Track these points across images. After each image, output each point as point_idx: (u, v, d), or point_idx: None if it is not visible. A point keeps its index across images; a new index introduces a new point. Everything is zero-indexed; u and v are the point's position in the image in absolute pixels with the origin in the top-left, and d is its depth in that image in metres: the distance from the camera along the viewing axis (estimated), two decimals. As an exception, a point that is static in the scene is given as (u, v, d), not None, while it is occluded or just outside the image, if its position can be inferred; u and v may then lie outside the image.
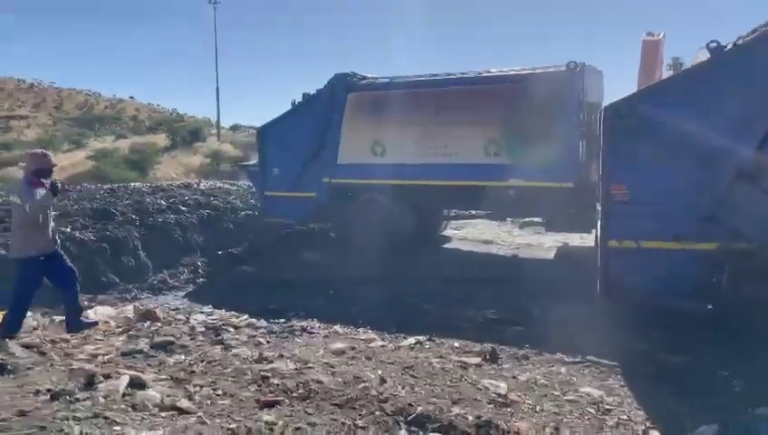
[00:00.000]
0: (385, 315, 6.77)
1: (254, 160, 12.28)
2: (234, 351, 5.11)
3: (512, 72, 9.21)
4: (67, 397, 3.86)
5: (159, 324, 6.21)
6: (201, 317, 6.72)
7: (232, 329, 5.99)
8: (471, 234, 11.54)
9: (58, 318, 6.52)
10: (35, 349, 4.95)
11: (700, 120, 5.16)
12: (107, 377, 4.21)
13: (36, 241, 5.56)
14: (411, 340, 5.69)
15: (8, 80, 71.42)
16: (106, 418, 3.60)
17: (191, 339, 5.49)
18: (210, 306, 7.33)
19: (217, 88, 55.25)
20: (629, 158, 5.43)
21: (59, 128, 55.94)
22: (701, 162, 5.20)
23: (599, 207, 6.06)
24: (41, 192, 5.48)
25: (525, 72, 9.03)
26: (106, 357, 4.82)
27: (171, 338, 5.28)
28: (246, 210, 13.68)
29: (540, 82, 8.57)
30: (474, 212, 11.01)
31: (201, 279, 9.70)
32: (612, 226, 5.60)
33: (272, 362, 4.87)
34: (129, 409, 3.77)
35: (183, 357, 4.90)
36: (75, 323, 5.83)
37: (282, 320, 6.56)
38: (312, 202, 10.47)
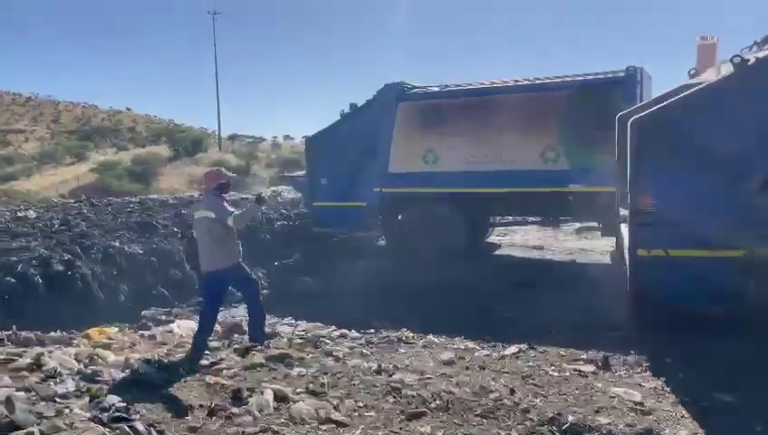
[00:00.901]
0: (467, 323, 6.79)
1: (298, 172, 12.29)
2: (350, 362, 5.12)
3: (569, 79, 9.31)
4: (222, 412, 3.88)
5: (244, 337, 6.25)
6: (287, 329, 6.74)
7: (329, 340, 6.01)
8: (517, 240, 11.60)
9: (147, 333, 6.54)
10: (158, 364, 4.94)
11: (726, 131, 5.35)
12: (249, 391, 4.23)
13: (228, 253, 5.67)
14: (513, 348, 5.72)
15: (5, 94, 71.13)
16: (275, 432, 3.62)
17: (298, 351, 5.49)
18: (290, 318, 7.33)
19: (218, 98, 55.25)
20: (657, 169, 5.55)
21: (58, 141, 55.70)
22: (727, 172, 5.35)
23: (623, 213, 6.38)
24: (229, 206, 5.69)
25: (583, 77, 9.14)
26: (232, 371, 4.82)
27: (284, 350, 5.29)
28: (281, 220, 13.74)
29: (599, 87, 8.67)
30: (520, 219, 11.06)
31: (265, 290, 9.67)
32: (640, 235, 5.74)
33: (392, 373, 4.89)
34: (289, 422, 3.79)
35: (304, 370, 4.91)
36: (260, 336, 5.82)
37: (371, 330, 6.57)
38: (363, 211, 10.50)
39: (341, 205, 10.60)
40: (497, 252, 10.97)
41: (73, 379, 4.38)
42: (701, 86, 5.75)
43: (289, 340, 5.83)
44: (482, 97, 9.76)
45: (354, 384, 4.60)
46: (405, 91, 10.35)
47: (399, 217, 10.25)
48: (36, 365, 4.73)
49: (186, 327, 6.86)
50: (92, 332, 6.04)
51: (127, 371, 4.71)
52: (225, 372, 4.79)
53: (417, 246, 9.74)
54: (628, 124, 5.75)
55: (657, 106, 5.89)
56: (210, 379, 4.52)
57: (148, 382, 4.34)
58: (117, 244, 10.56)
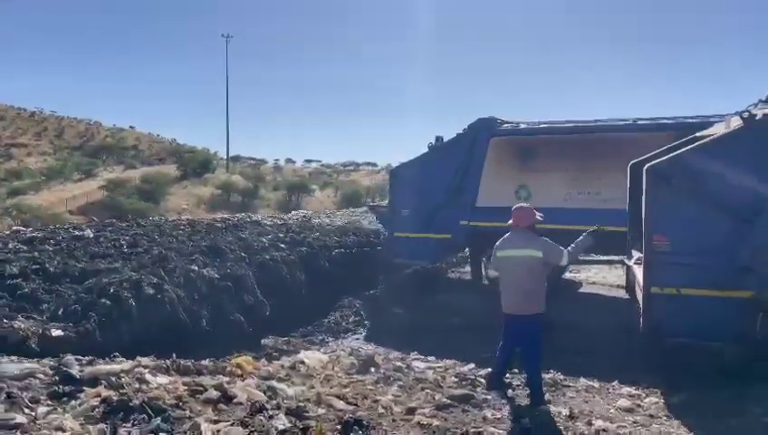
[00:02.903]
0: (602, 364, 6.66)
1: (378, 201, 12.20)
2: (540, 407, 4.98)
3: (673, 121, 9.36)
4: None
5: (383, 371, 6.09)
6: (422, 365, 6.58)
7: (482, 380, 5.85)
8: (596, 278, 11.54)
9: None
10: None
11: (738, 179, 5.72)
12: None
13: (542, 297, 5.49)
14: (682, 395, 5.59)
15: (9, 108, 70.67)
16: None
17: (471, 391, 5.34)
18: (416, 352, 7.16)
19: (227, 120, 55.48)
20: (672, 211, 5.91)
21: (60, 156, 55.24)
22: (738, 217, 5.73)
23: (635, 254, 6.85)
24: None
25: (694, 118, 9.16)
26: (427, 411, 4.66)
27: (468, 392, 5.14)
28: (338, 248, 13.61)
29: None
30: (605, 258, 10.98)
31: (366, 322, 9.52)
32: (654, 273, 6.06)
33: (589, 420, 4.76)
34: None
35: (495, 413, 4.77)
36: (540, 397, 5.31)
37: (515, 370, 6.42)
38: (447, 244, 10.43)
39: (424, 236, 10.51)
40: (581, 289, 10.89)
41: (285, 414, 4.19)
42: (713, 136, 6.22)
43: (472, 381, 5.66)
44: (582, 134, 9.79)
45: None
46: (497, 127, 10.37)
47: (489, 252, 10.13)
48: (224, 397, 4.55)
49: (314, 358, 6.68)
50: (242, 362, 5.83)
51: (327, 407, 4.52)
52: (419, 411, 4.63)
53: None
54: (644, 169, 6.19)
55: (673, 154, 6.27)
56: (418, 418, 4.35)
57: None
58: (196, 268, 10.37)
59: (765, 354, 5.43)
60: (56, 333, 7.52)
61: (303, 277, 12.15)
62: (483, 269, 10.71)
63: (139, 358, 5.52)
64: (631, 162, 7.20)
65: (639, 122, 9.62)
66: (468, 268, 12.79)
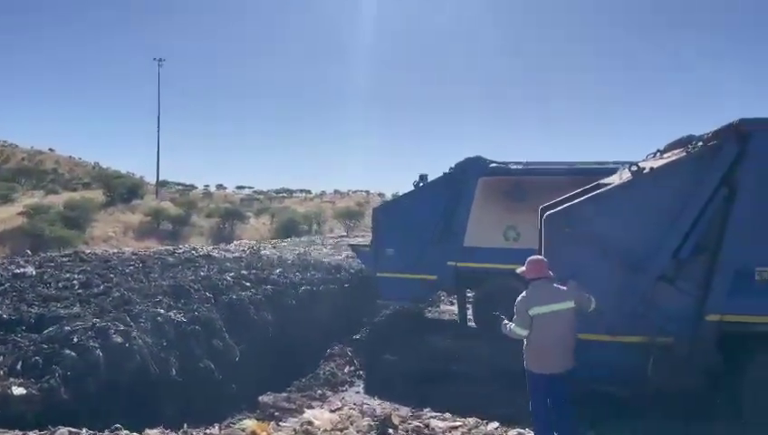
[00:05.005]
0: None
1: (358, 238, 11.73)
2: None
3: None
4: None
5: (402, 433, 5.63)
6: (442, 424, 6.15)
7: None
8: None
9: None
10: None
11: (626, 230, 6.03)
12: None
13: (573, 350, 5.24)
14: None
15: None
16: None
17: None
18: (428, 408, 6.69)
19: (158, 145, 53.32)
20: (567, 258, 5.98)
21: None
22: (628, 265, 5.96)
23: None
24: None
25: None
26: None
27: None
28: (305, 285, 12.99)
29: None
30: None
31: (361, 371, 8.92)
32: None
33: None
34: None
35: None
36: None
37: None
38: (433, 285, 10.09)
39: (409, 277, 10.14)
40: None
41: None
42: (605, 189, 6.45)
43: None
44: (572, 176, 9.72)
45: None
46: (486, 166, 10.22)
47: (477, 293, 9.89)
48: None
49: (324, 419, 6.13)
50: (256, 428, 5.20)
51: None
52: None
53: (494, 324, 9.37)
54: (543, 217, 6.41)
55: (570, 203, 6.50)
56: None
57: None
58: (162, 311, 9.50)
59: (658, 396, 5.79)
60: (18, 391, 6.58)
61: (270, 317, 11.48)
62: (471, 312, 10.47)
63: (147, 431, 4.80)
64: (541, 207, 7.18)
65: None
66: (443, 308, 12.51)
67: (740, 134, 5.74)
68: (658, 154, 7.35)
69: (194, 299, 10.55)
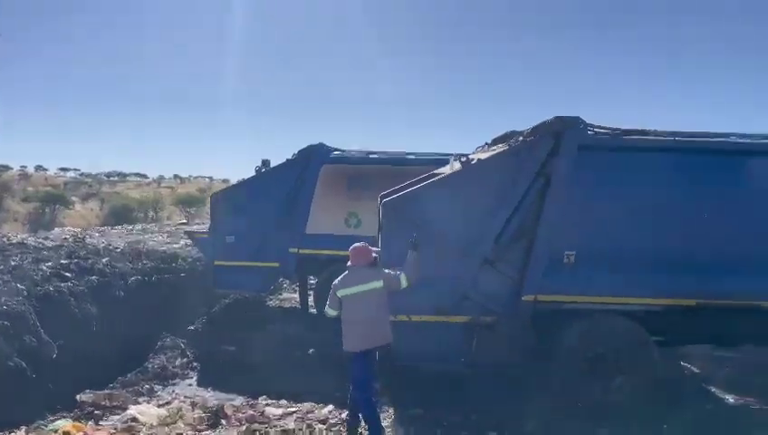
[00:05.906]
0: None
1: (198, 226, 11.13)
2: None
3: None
4: None
5: (236, 422, 5.53)
6: (277, 411, 6.09)
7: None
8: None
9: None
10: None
11: (454, 217, 6.44)
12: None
13: (389, 326, 5.61)
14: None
15: None
16: None
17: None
18: (264, 396, 6.57)
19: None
20: (403, 244, 6.14)
21: None
22: (457, 251, 6.39)
23: None
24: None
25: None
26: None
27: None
28: (136, 275, 12.15)
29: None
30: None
31: (195, 363, 8.43)
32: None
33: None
34: None
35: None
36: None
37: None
38: (276, 272, 9.96)
39: (251, 265, 9.89)
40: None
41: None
42: (435, 178, 6.90)
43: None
44: (411, 166, 10.02)
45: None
46: (328, 154, 10.22)
47: (317, 280, 9.89)
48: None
49: (150, 414, 5.78)
50: (70, 429, 4.73)
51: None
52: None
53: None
54: (381, 203, 6.78)
55: (406, 191, 6.85)
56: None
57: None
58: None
59: (483, 372, 6.38)
60: None
61: (95, 311, 10.58)
62: (312, 298, 10.45)
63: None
64: (381, 194, 7.42)
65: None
66: (285, 295, 12.40)
67: (554, 131, 6.31)
68: (486, 147, 7.76)
69: (1, 292, 9.42)
